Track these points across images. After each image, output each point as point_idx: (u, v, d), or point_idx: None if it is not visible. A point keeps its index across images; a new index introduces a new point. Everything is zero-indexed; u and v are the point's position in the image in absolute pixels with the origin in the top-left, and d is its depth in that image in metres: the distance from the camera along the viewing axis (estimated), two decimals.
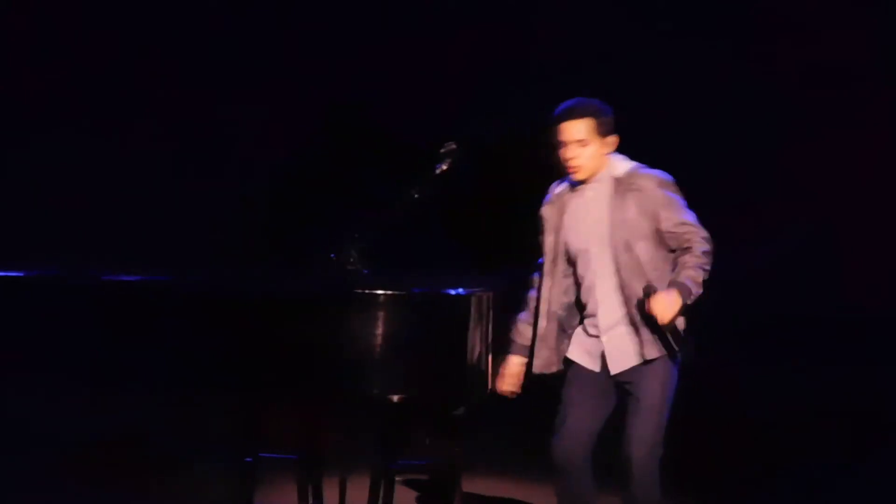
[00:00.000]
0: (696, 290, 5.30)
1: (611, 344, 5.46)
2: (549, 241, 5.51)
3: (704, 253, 5.36)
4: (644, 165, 5.42)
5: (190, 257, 7.79)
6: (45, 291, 6.53)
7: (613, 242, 5.43)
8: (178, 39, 7.95)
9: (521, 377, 5.50)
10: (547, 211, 5.52)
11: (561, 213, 5.50)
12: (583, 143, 5.38)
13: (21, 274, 6.56)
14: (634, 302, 5.38)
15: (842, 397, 7.24)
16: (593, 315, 5.47)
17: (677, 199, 5.37)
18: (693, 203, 6.04)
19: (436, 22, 7.77)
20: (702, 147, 7.41)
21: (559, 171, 5.58)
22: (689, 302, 5.27)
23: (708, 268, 5.35)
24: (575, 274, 5.52)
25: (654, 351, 5.37)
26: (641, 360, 5.37)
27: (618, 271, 5.44)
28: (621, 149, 5.36)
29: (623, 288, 5.44)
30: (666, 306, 5.26)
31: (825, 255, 7.42)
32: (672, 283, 5.34)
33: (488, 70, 7.66)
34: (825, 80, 7.47)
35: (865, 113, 7.48)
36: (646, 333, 5.39)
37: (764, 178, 7.50)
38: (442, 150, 5.32)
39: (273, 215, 7.95)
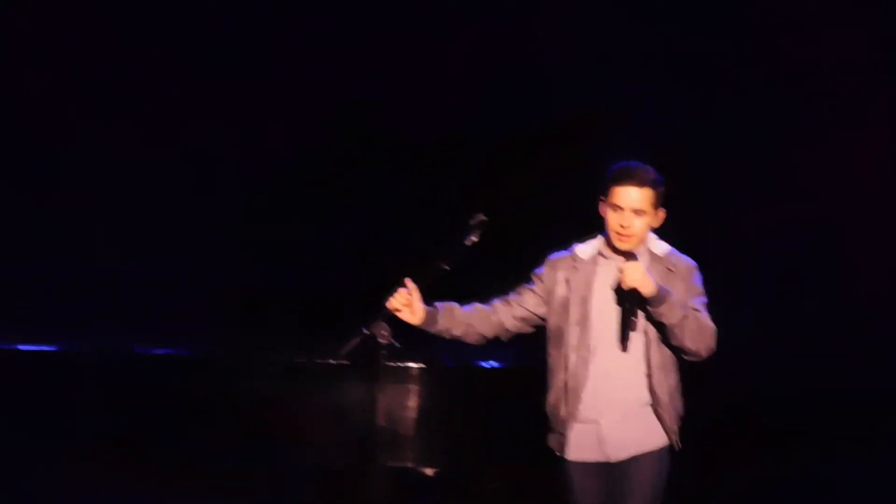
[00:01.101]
0: (673, 311, 5.06)
1: (615, 428, 5.20)
2: (574, 311, 5.24)
3: (710, 331, 5.13)
4: (676, 249, 5.31)
5: (189, 258, 7.80)
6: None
7: (647, 320, 5.17)
8: (179, 39, 7.95)
9: (412, 303, 5.20)
10: (574, 277, 5.27)
11: (590, 280, 5.26)
12: (640, 213, 5.19)
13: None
14: (661, 387, 5.19)
15: (841, 396, 7.21)
16: (599, 395, 5.21)
17: (702, 290, 5.26)
18: (693, 203, 5.93)
19: (436, 22, 7.75)
20: (700, 147, 7.39)
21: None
22: (655, 306, 5.07)
23: (697, 343, 5.10)
24: (583, 344, 5.24)
25: (662, 440, 5.20)
26: (647, 449, 5.18)
27: (647, 352, 5.22)
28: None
29: (651, 369, 5.19)
30: (637, 273, 5.06)
31: (825, 255, 7.41)
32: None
33: (488, 70, 7.64)
34: (826, 80, 7.46)
35: (866, 113, 7.47)
36: (668, 421, 5.20)
37: (764, 178, 7.49)
38: (471, 222, 5.21)
39: (274, 216, 7.95)
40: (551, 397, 5.30)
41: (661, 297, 5.09)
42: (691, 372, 5.30)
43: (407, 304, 5.20)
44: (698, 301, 5.18)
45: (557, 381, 5.26)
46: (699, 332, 5.12)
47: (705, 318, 5.16)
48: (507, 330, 5.36)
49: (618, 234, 5.20)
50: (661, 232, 5.29)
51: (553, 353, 5.30)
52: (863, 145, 7.42)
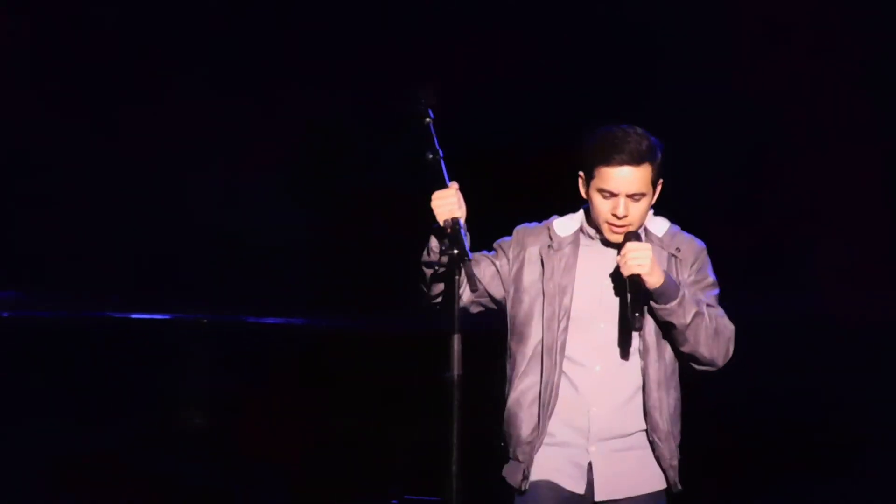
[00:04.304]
0: (685, 309, 4.05)
1: (609, 460, 4.19)
2: (550, 303, 4.19)
3: (730, 332, 4.17)
4: (678, 226, 4.35)
5: (187, 259, 7.77)
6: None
7: (647, 325, 4.14)
8: (179, 39, 7.90)
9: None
10: (550, 259, 4.22)
11: (570, 265, 4.22)
12: (638, 196, 4.12)
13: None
14: (659, 409, 4.16)
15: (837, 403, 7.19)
16: (581, 413, 4.19)
17: (715, 281, 4.28)
18: (691, 208, 5.66)
19: (437, 23, 7.74)
20: (698, 154, 7.40)
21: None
22: (662, 301, 4.04)
23: (713, 350, 4.13)
24: (559, 343, 4.19)
25: (660, 480, 4.24)
26: (642, 491, 4.20)
27: (644, 361, 4.16)
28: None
29: (647, 385, 4.16)
30: (645, 256, 4.02)
31: (826, 260, 7.43)
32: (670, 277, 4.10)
33: (489, 72, 7.63)
34: (821, 87, 7.48)
35: (863, 121, 7.48)
36: (667, 456, 4.21)
37: (760, 185, 7.50)
38: (423, 103, 4.15)
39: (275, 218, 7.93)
40: (509, 409, 4.28)
41: (669, 289, 4.06)
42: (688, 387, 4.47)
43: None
44: (711, 295, 4.22)
45: (519, 389, 4.24)
46: (715, 336, 4.12)
47: (722, 318, 4.18)
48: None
49: (610, 224, 4.17)
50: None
51: (516, 354, 4.28)
52: (862, 152, 7.44)
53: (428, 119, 4.09)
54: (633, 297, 4.05)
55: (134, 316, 7.00)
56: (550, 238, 4.25)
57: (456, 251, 3.97)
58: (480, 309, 4.36)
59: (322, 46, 7.89)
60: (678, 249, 4.23)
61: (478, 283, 4.14)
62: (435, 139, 4.09)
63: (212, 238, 7.62)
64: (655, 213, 4.35)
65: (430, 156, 4.06)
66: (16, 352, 7.01)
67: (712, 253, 4.37)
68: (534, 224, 4.35)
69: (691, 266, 4.23)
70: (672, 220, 4.42)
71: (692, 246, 4.26)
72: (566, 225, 4.30)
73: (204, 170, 7.81)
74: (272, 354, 6.91)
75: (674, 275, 4.18)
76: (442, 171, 4.07)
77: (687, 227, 4.42)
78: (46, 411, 6.89)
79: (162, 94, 7.88)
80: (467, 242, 4.11)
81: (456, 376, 3.93)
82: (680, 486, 4.27)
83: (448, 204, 4.03)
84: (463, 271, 3.98)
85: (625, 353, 4.17)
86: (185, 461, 6.91)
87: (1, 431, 6.86)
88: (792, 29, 7.41)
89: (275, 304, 7.07)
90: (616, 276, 4.18)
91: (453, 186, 4.07)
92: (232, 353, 6.90)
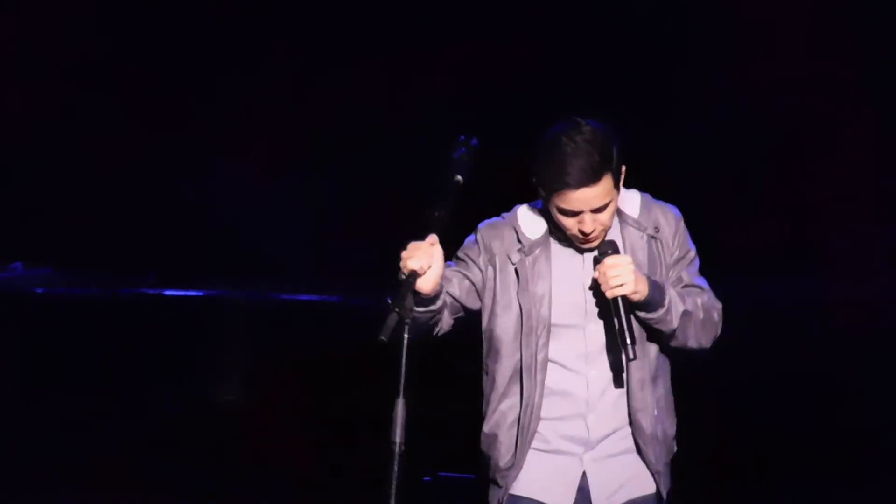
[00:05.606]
0: (672, 313, 3.84)
1: (601, 466, 3.97)
2: (529, 315, 3.88)
3: (718, 312, 3.95)
4: (648, 195, 4.05)
5: (185, 260, 7.80)
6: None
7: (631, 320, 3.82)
8: (178, 39, 7.93)
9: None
10: (522, 263, 3.91)
11: (545, 273, 3.90)
12: (603, 207, 3.82)
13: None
14: (643, 409, 3.92)
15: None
16: (573, 421, 3.95)
17: (695, 251, 4.03)
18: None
19: (437, 27, 7.76)
20: (693, 157, 7.40)
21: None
22: (649, 311, 3.82)
23: (701, 339, 3.92)
24: (539, 361, 3.91)
25: (649, 484, 4.00)
26: (640, 495, 3.96)
27: (627, 367, 3.88)
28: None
29: (629, 387, 3.91)
30: (626, 275, 3.75)
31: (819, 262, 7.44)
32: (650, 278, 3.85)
33: (490, 76, 7.65)
34: (810, 91, 7.49)
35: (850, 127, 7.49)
36: (653, 460, 3.97)
37: (750, 191, 7.51)
38: (455, 157, 3.90)
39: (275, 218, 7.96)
40: (488, 433, 4.06)
41: (655, 297, 3.83)
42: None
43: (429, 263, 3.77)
44: (694, 270, 4.01)
45: (499, 411, 4.03)
46: (703, 327, 3.92)
47: (709, 300, 3.97)
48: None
49: (578, 238, 3.89)
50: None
51: (494, 373, 4.03)
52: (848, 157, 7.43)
53: (459, 178, 3.84)
54: (620, 321, 3.80)
55: (167, 293, 7.10)
56: (520, 241, 3.97)
57: (392, 301, 3.75)
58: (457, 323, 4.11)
59: (328, 46, 7.91)
60: (657, 229, 3.97)
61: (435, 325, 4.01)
62: (453, 201, 3.85)
63: (228, 225, 7.68)
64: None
65: (437, 213, 3.82)
66: (48, 327, 7.05)
67: (727, 243, 4.31)
68: (496, 220, 4.07)
69: (672, 242, 3.98)
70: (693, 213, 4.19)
71: (669, 219, 4.00)
72: (534, 223, 4.00)
73: (231, 161, 7.85)
74: (299, 332, 6.95)
75: (655, 258, 3.95)
76: (438, 229, 3.83)
77: (705, 217, 4.24)
78: (74, 390, 6.94)
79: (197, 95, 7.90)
80: (442, 294, 3.92)
81: (398, 446, 3.69)
82: (665, 496, 4.04)
83: (411, 257, 3.77)
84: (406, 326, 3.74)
85: (617, 355, 3.91)
86: (220, 439, 6.97)
87: (27, 408, 6.91)
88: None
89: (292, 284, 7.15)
90: (596, 285, 3.94)
91: (428, 241, 3.80)
92: (262, 331, 6.97)
